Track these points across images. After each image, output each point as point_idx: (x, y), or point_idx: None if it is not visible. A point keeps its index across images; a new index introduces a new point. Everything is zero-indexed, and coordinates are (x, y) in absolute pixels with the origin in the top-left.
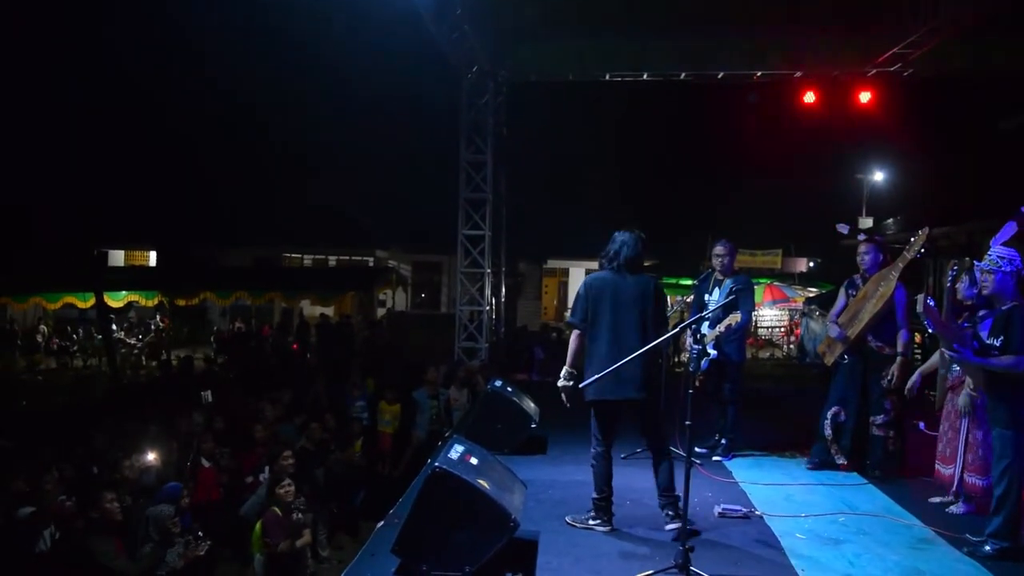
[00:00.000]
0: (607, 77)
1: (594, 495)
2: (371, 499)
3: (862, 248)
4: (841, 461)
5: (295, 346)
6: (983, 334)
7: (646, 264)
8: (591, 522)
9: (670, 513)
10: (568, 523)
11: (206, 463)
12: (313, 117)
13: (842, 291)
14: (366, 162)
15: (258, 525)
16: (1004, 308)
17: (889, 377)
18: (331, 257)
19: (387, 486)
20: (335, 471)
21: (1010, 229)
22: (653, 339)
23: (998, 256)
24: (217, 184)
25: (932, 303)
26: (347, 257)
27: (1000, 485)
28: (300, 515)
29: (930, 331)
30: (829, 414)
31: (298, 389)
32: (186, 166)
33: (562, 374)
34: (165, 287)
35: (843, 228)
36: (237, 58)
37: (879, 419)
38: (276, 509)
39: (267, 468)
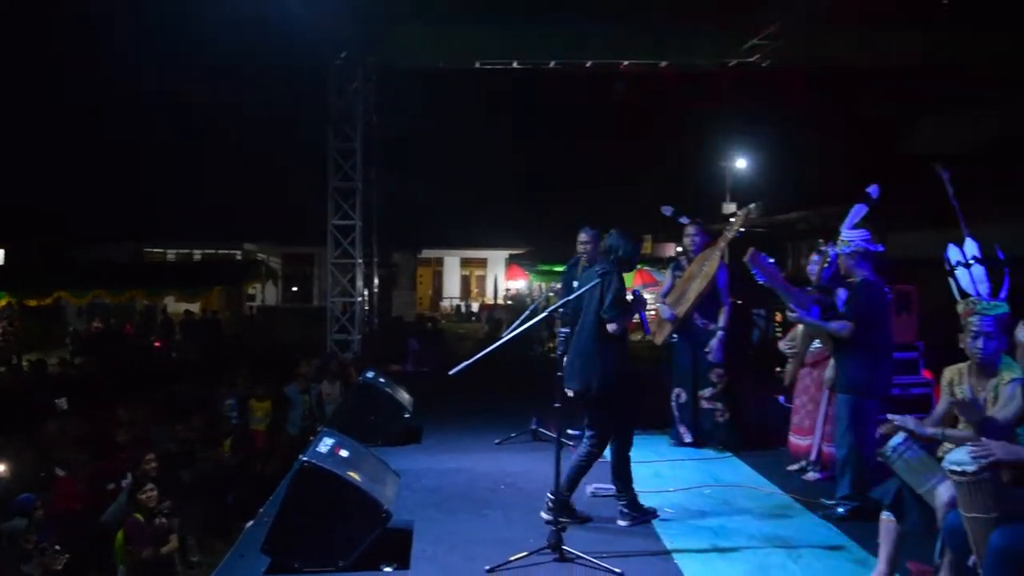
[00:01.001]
0: (477, 64)
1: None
2: (244, 499)
3: (690, 230)
4: (688, 439)
5: (158, 345)
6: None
7: (520, 252)
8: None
9: (624, 510)
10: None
11: (61, 472)
12: (176, 106)
13: (668, 272)
14: (232, 152)
15: (120, 533)
16: (854, 283)
17: (709, 351)
18: (196, 251)
19: (260, 485)
20: (204, 472)
21: (859, 211)
22: (593, 334)
23: (848, 238)
24: (73, 177)
25: (767, 259)
26: (213, 251)
27: (842, 448)
28: (165, 520)
29: (761, 283)
30: (673, 395)
31: (164, 389)
32: (37, 158)
33: None
34: (14, 287)
35: (667, 210)
36: (94, 45)
37: (706, 392)
38: (138, 515)
39: (129, 473)
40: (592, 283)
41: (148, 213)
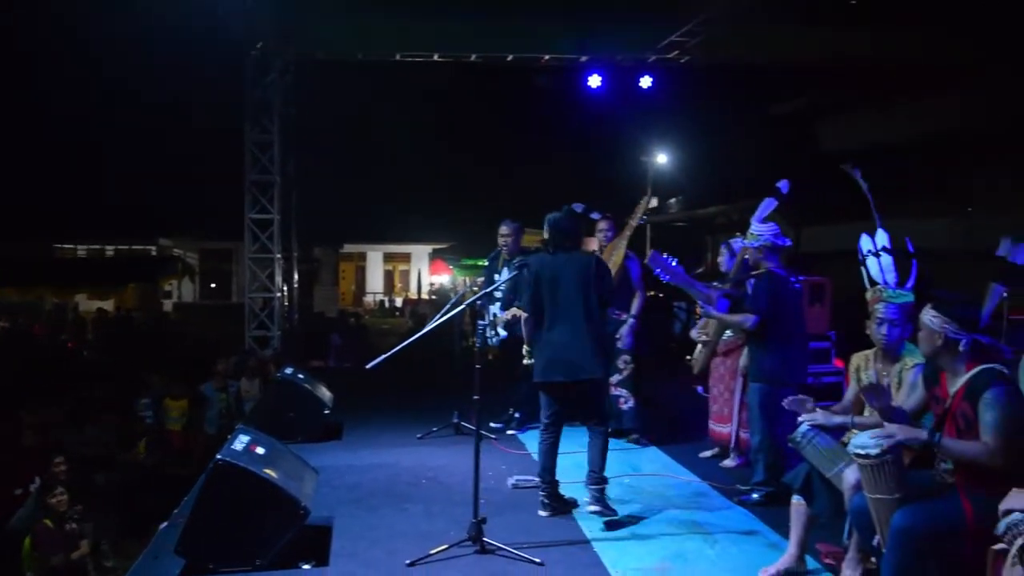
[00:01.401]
0: (398, 57)
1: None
2: (161, 501)
3: (602, 225)
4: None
5: (70, 345)
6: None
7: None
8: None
9: (595, 495)
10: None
11: None
12: (86, 96)
13: None
14: (145, 145)
15: (27, 540)
16: (759, 275)
17: (619, 338)
18: (108, 247)
19: (178, 486)
20: (118, 475)
21: (769, 205)
22: (596, 317)
23: (757, 232)
24: None
25: (668, 259)
26: (126, 247)
27: (755, 435)
28: (75, 525)
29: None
30: None
31: (76, 390)
32: None
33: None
34: None
35: (578, 207)
36: None
37: (613, 379)
38: (47, 521)
39: (37, 478)
40: (512, 274)
41: (57, 208)
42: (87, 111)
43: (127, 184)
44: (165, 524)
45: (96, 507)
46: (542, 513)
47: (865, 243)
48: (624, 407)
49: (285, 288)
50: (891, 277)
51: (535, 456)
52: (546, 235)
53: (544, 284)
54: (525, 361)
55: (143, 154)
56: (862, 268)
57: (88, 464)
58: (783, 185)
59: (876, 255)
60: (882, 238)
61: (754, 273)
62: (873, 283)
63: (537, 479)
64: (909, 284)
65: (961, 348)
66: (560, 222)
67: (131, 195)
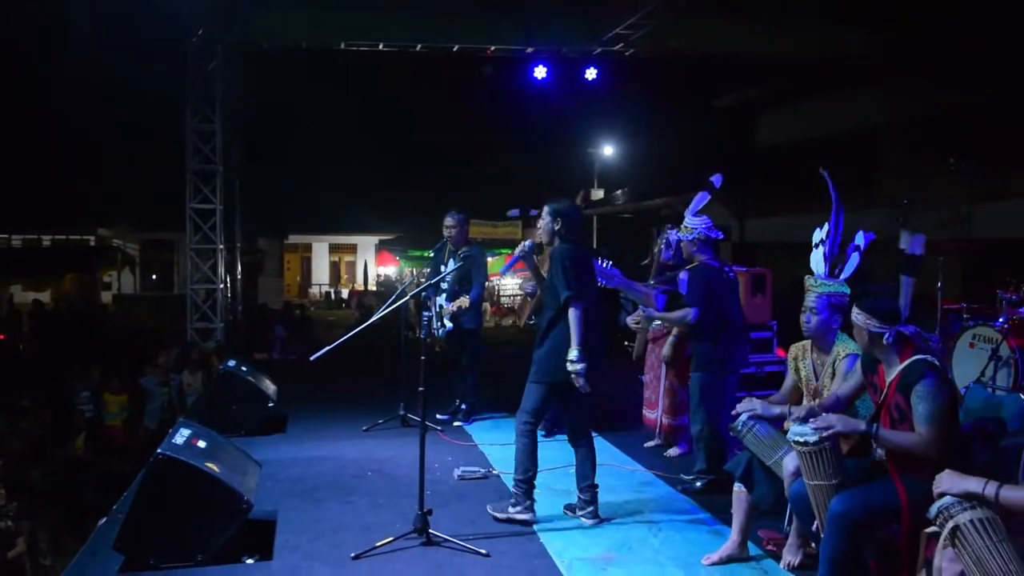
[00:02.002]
0: (342, 46)
1: (517, 476)
2: (101, 497)
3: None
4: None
5: (2, 337)
6: (683, 291)
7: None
8: (512, 510)
9: (584, 499)
10: (496, 516)
11: None
12: (21, 81)
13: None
14: (83, 132)
15: None
16: (693, 267)
17: None
18: (45, 237)
19: (118, 482)
20: (55, 470)
21: (702, 199)
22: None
23: (691, 225)
24: None
25: (603, 263)
26: (64, 237)
27: (695, 424)
28: (11, 523)
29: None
30: None
31: (10, 384)
32: None
33: (575, 356)
34: None
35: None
36: None
37: None
38: None
39: None
40: (457, 265)
41: None
42: (21, 96)
43: (65, 172)
44: (104, 520)
45: (32, 504)
46: (524, 516)
47: (816, 234)
48: None
49: (228, 279)
50: (822, 269)
51: (481, 447)
52: (557, 225)
53: (583, 275)
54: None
55: (81, 141)
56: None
57: (22, 459)
58: (716, 179)
59: (816, 247)
60: (820, 233)
61: (689, 267)
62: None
63: (482, 470)
64: (844, 276)
65: (885, 341)
66: (570, 212)
67: (69, 184)
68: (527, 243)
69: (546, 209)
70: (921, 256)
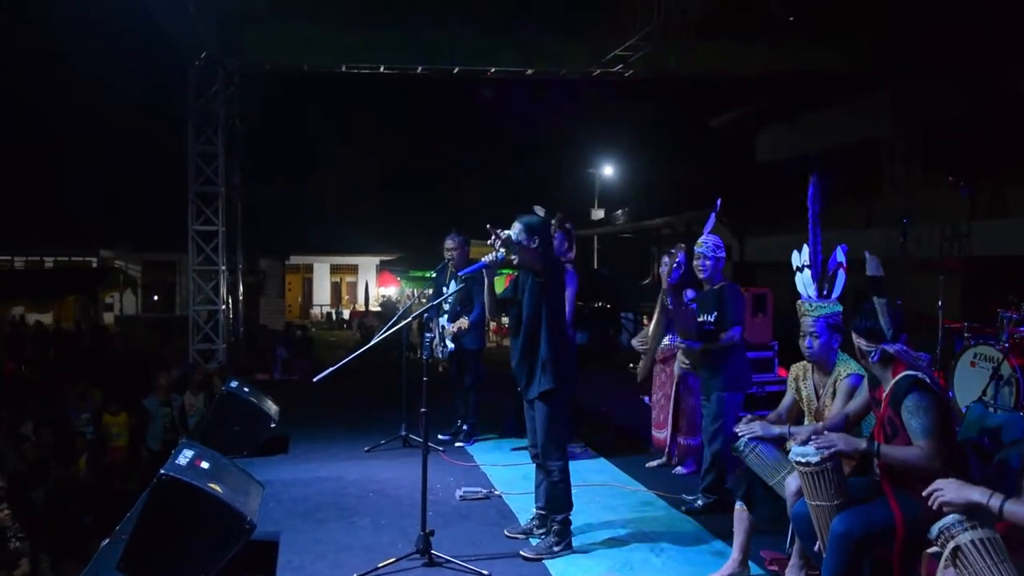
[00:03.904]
0: (343, 69)
1: (559, 518)
2: (103, 518)
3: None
4: None
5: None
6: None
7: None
8: (556, 548)
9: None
10: (529, 558)
11: None
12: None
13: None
14: (87, 155)
15: None
16: (715, 287)
17: None
18: (47, 258)
19: (120, 503)
20: (57, 492)
21: (711, 220)
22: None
23: (714, 244)
24: None
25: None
26: (66, 258)
27: (715, 443)
28: (19, 543)
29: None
30: None
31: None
32: None
33: None
34: None
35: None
36: None
37: None
38: None
39: None
40: (459, 287)
41: None
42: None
43: (67, 194)
44: (107, 541)
45: (33, 526)
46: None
47: (795, 258)
48: None
49: (230, 300)
50: (811, 291)
51: (483, 467)
52: (534, 243)
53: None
54: None
55: (84, 163)
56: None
57: (25, 481)
58: (717, 202)
59: (800, 270)
60: (800, 255)
61: (716, 286)
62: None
63: (484, 491)
64: (835, 294)
65: (871, 360)
66: (543, 227)
67: (71, 205)
68: (499, 254)
69: (519, 226)
70: (882, 277)
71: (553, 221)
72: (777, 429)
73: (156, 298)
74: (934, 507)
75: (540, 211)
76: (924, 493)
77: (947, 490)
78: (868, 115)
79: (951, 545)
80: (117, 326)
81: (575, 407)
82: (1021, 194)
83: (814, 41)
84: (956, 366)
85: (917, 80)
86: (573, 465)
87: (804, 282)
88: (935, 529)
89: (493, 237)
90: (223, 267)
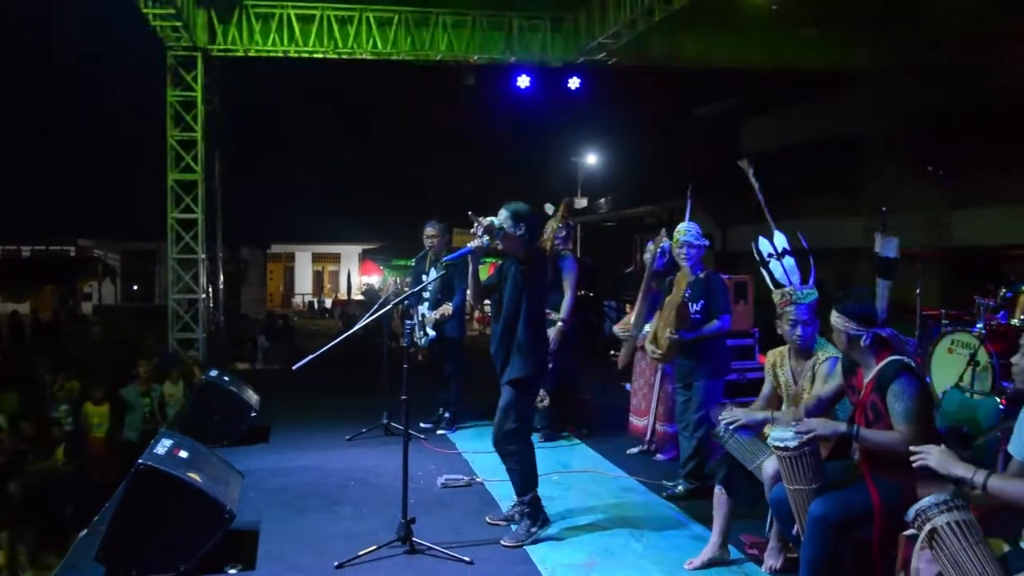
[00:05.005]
0: (324, 55)
1: (526, 498)
2: (82, 510)
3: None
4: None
5: None
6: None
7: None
8: (534, 529)
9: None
10: (509, 546)
11: None
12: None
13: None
14: (63, 142)
15: None
16: (699, 275)
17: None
18: (24, 248)
19: (100, 494)
20: (35, 483)
21: (688, 206)
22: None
23: (697, 231)
24: None
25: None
26: (43, 247)
27: (700, 430)
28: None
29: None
30: None
31: None
32: None
33: None
34: None
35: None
36: None
37: None
38: None
39: None
40: (440, 273)
41: None
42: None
43: (45, 182)
44: (85, 532)
45: (11, 517)
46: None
47: (764, 246)
48: (539, 405)
49: (210, 289)
50: (795, 278)
51: (465, 455)
52: (520, 230)
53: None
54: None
55: (62, 151)
56: (763, 271)
57: (1, 472)
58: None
59: (779, 258)
60: (781, 240)
61: (701, 275)
62: (779, 285)
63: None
64: (812, 281)
65: (863, 343)
66: (532, 216)
67: (49, 194)
68: (484, 240)
69: (505, 213)
70: (895, 259)
71: (559, 210)
72: (761, 415)
73: (135, 288)
74: (915, 465)
75: (550, 209)
76: (912, 455)
77: (933, 456)
78: (850, 107)
79: (927, 527)
80: (96, 316)
81: (569, 397)
82: (999, 184)
83: (797, 33)
84: (934, 352)
85: (898, 73)
86: (555, 452)
87: (788, 269)
88: (912, 511)
89: (476, 225)
90: (203, 256)
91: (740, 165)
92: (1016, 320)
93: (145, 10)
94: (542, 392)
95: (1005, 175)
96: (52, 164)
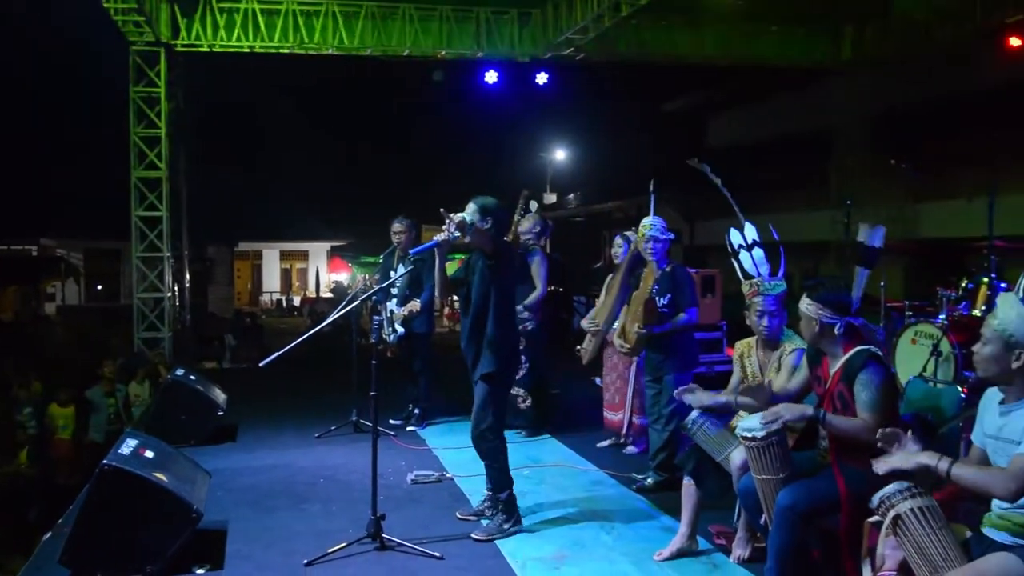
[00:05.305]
0: (289, 50)
1: (503, 496)
2: (46, 513)
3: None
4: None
5: None
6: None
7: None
8: (507, 527)
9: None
10: (480, 539)
11: None
12: None
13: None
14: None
15: None
16: (665, 269)
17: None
18: None
19: (65, 497)
20: None
21: (652, 201)
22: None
23: (662, 225)
24: None
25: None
26: (5, 247)
27: (672, 423)
28: None
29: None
30: None
31: None
32: None
33: None
34: None
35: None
36: None
37: None
38: None
39: None
40: (407, 269)
41: None
42: None
43: (5, 180)
44: (49, 534)
45: None
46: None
47: (735, 237)
48: (522, 406)
49: (176, 288)
50: (764, 269)
51: (435, 451)
52: (487, 224)
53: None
54: None
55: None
56: (734, 262)
57: None
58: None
59: (748, 249)
60: (751, 232)
61: (667, 269)
62: (748, 276)
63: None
64: (781, 273)
65: (836, 331)
66: (501, 210)
67: (9, 192)
68: (452, 233)
69: (473, 207)
70: (879, 248)
71: (530, 209)
72: (723, 398)
73: (100, 287)
74: (882, 473)
75: (534, 206)
76: (875, 467)
77: (895, 457)
78: (818, 102)
79: (891, 514)
80: (59, 316)
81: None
82: (963, 177)
83: (764, 30)
84: (898, 343)
85: (864, 69)
86: (525, 447)
87: (757, 260)
88: (876, 498)
89: (447, 221)
90: (168, 254)
91: (691, 163)
92: (978, 311)
93: (107, 4)
94: (523, 393)
95: (967, 168)
96: (12, 162)
